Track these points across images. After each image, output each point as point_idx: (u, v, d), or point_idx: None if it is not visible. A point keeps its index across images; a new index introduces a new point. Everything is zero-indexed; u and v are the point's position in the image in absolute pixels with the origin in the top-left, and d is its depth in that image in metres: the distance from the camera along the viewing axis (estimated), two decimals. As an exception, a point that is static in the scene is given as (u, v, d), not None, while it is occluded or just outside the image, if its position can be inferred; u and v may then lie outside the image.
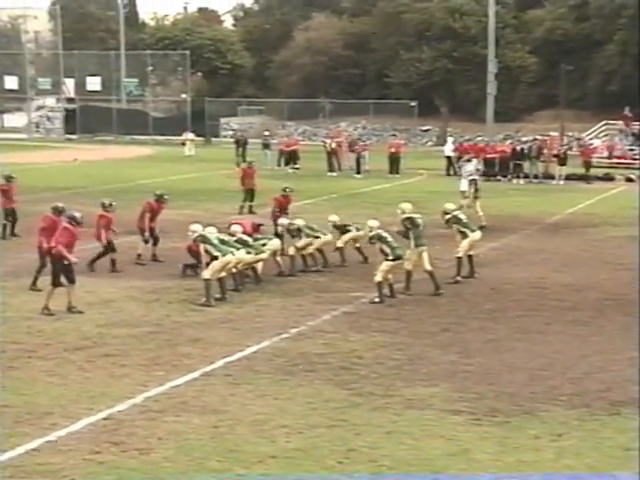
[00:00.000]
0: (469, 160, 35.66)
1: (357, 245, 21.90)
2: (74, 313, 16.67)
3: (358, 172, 45.28)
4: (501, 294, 18.89)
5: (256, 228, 21.14)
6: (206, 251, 17.90)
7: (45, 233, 18.30)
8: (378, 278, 17.81)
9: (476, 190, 29.61)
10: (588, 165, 44.82)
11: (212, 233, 18.44)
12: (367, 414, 11.61)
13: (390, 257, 17.90)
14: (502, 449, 10.51)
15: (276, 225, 22.62)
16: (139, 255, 22.08)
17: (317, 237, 20.99)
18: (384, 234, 18.31)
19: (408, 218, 18.90)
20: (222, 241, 18.38)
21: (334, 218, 22.00)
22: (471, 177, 31.98)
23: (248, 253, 18.85)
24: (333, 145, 47.87)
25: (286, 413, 11.60)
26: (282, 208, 24.13)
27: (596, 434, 11.00)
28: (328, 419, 11.39)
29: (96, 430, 10.99)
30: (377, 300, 17.71)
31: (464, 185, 32.64)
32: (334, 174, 45.80)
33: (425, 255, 18.74)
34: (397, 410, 11.76)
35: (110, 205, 21.02)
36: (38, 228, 18.91)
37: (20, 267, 20.62)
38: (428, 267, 18.71)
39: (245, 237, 19.44)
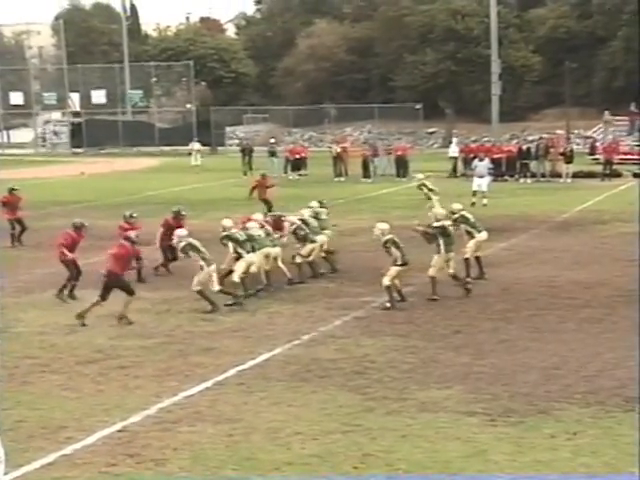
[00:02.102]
0: (482, 159, 36.16)
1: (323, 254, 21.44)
2: (124, 324, 16.81)
3: (366, 176, 45.38)
4: (513, 294, 18.85)
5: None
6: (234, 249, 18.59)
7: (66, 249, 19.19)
8: (386, 282, 17.79)
9: None
10: (610, 163, 44.53)
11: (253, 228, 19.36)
12: (381, 418, 11.59)
13: (399, 262, 17.85)
14: (518, 449, 10.48)
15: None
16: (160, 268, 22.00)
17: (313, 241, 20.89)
18: (397, 239, 18.21)
19: (441, 227, 18.85)
20: (250, 237, 19.09)
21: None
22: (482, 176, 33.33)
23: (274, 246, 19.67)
24: (338, 150, 47.90)
25: (300, 420, 11.59)
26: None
27: (611, 431, 10.96)
28: (343, 424, 11.37)
29: (111, 442, 10.99)
30: (388, 305, 17.67)
31: (476, 184, 33.60)
32: (341, 179, 45.82)
33: (452, 262, 18.84)
34: (411, 413, 11.74)
35: (82, 225, 20.91)
36: (58, 244, 19.51)
37: (31, 282, 20.69)
38: (451, 271, 18.82)
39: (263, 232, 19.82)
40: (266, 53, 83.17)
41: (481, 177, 34.62)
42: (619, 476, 9.92)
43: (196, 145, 60.14)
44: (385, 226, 18.45)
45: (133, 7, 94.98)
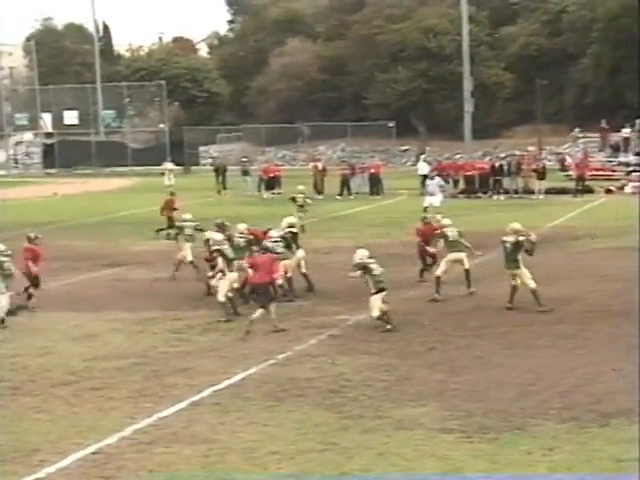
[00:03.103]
0: (432, 178, 37.99)
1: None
2: (279, 332, 17.21)
3: (341, 194, 45.53)
4: (486, 310, 18.89)
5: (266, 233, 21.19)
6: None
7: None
8: (375, 314, 17.37)
9: None
10: (582, 179, 44.79)
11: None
12: (358, 437, 11.57)
13: (373, 291, 17.46)
14: (494, 466, 10.49)
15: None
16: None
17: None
18: (371, 265, 17.68)
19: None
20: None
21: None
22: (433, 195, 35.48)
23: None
24: (319, 167, 48.04)
25: (276, 439, 11.55)
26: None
27: (587, 447, 10.99)
28: (319, 443, 11.35)
29: (86, 465, 10.92)
30: (389, 327, 17.29)
31: (427, 201, 35.35)
32: (319, 197, 45.87)
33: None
34: (387, 431, 11.73)
35: (36, 238, 20.83)
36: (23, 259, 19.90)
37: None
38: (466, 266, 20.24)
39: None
40: (239, 72, 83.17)
41: (432, 195, 36.10)
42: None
43: (169, 165, 59.94)
44: (364, 252, 17.97)
45: (106, 27, 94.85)
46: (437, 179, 38.17)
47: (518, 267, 18.89)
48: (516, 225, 19.50)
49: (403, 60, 72.78)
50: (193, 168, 71.28)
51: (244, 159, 53.51)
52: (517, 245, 18.89)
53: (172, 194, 33.91)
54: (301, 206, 32.56)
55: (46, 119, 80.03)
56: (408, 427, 11.85)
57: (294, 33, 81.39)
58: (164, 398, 13.43)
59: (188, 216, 24.45)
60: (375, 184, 46.26)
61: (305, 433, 11.75)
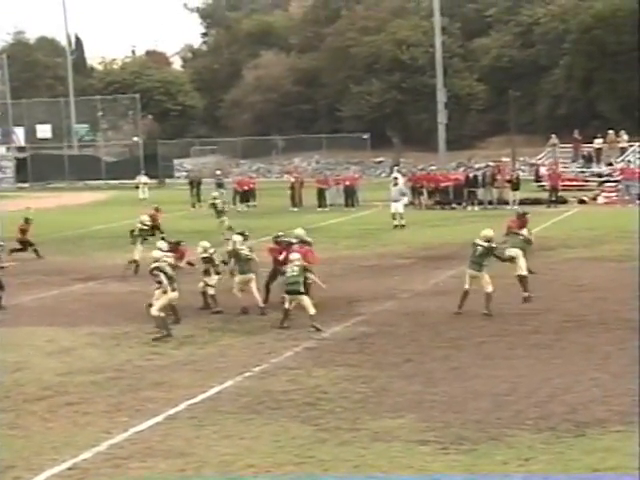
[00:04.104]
0: (395, 184, 39.07)
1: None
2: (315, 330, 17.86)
3: (320, 206, 45.62)
4: (462, 321, 18.91)
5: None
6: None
7: None
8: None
9: None
10: (555, 190, 44.97)
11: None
12: (334, 449, 11.55)
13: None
14: (471, 477, 10.49)
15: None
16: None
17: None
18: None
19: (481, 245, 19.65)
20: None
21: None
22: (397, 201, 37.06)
23: None
24: (292, 180, 48.07)
25: (253, 452, 11.51)
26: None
27: (563, 457, 11.01)
28: (295, 456, 11.32)
29: (61, 481, 10.84)
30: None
31: (393, 207, 37.17)
32: (295, 209, 45.83)
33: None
34: (364, 443, 11.71)
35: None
36: None
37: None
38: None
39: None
40: (213, 85, 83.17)
41: (396, 201, 37.60)
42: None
43: (143, 178, 59.79)
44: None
45: (78, 41, 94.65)
46: (400, 184, 39.59)
47: (480, 271, 19.43)
48: (489, 232, 19.74)
49: (377, 72, 72.96)
50: (167, 181, 71.18)
51: (218, 172, 53.47)
52: (489, 250, 19.44)
53: (157, 209, 34.63)
54: (221, 211, 34.79)
55: (18, 133, 79.70)
56: (385, 439, 11.84)
57: (268, 46, 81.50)
58: (140, 412, 13.37)
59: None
60: (350, 196, 46.32)
61: (281, 446, 11.71)
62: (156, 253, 19.45)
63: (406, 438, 11.83)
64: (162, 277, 18.54)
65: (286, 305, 18.73)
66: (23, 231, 31.43)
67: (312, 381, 14.69)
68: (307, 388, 14.28)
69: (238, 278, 20.30)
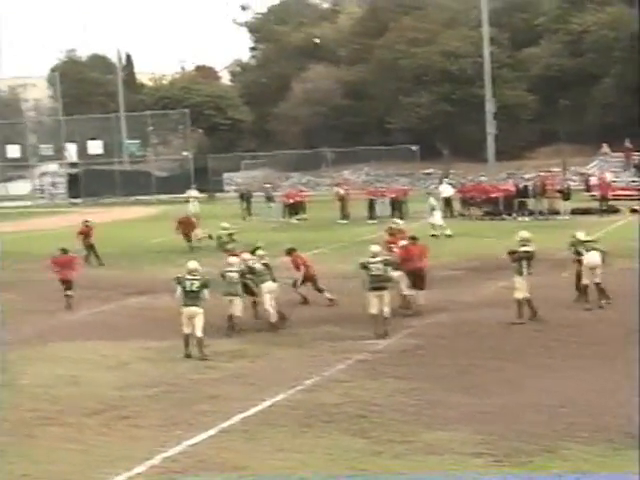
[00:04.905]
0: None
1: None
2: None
3: (371, 218, 45.62)
4: (517, 332, 18.78)
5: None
6: None
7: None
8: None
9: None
10: (605, 199, 44.67)
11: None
12: (388, 462, 11.53)
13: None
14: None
15: None
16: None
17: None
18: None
19: (525, 251, 19.63)
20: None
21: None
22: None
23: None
24: (341, 192, 48.09)
25: (306, 466, 11.52)
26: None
27: (619, 469, 10.89)
28: (349, 469, 11.32)
29: (117, 494, 10.94)
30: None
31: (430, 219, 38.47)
32: (344, 222, 45.83)
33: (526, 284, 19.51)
34: (418, 456, 11.68)
35: None
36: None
37: (34, 335, 20.65)
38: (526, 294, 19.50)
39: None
40: (262, 99, 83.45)
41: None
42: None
43: (193, 192, 60.23)
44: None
45: (128, 57, 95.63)
46: (429, 200, 40.49)
47: (520, 275, 19.57)
48: (524, 233, 19.88)
49: (426, 83, 72.85)
50: (217, 195, 71.55)
51: (268, 185, 53.69)
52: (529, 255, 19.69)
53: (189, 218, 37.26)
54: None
55: (71, 149, 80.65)
56: (438, 452, 11.80)
57: (316, 59, 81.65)
58: (193, 426, 13.43)
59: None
60: (397, 208, 46.26)
61: (335, 459, 11.72)
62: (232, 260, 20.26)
63: (460, 451, 11.79)
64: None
65: (373, 310, 18.86)
66: (85, 235, 33.48)
67: (365, 394, 14.68)
68: (360, 401, 14.27)
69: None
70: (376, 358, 17.20)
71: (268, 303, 20.29)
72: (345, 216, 46.60)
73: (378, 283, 18.92)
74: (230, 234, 31.06)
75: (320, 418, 13.49)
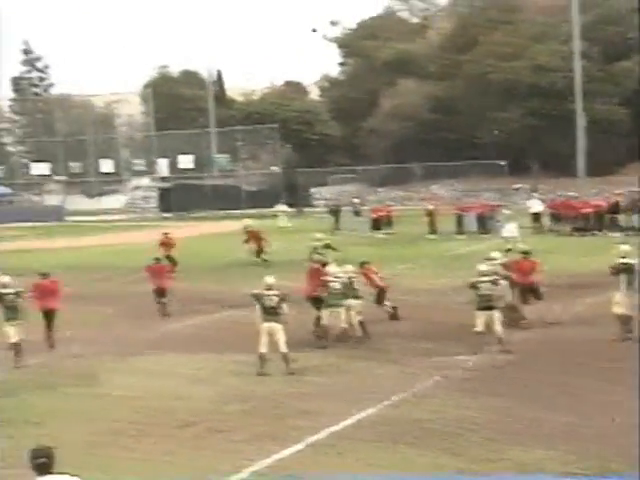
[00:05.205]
0: None
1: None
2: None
3: (460, 233, 45.47)
4: (616, 351, 18.41)
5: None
6: None
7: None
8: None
9: None
10: None
11: None
12: (480, 480, 11.47)
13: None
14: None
15: None
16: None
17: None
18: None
19: (624, 263, 19.33)
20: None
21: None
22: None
23: None
24: (430, 207, 48.00)
25: (396, 482, 11.52)
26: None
27: None
28: (440, 487, 11.29)
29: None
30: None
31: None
32: (432, 237, 45.70)
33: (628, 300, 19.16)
34: (510, 475, 11.58)
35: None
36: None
37: (128, 347, 20.97)
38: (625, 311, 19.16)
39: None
40: (350, 114, 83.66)
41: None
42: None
43: (282, 207, 60.67)
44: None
45: (219, 73, 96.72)
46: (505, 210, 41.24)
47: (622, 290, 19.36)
48: (626, 247, 19.91)
49: (515, 98, 72.34)
50: (305, 210, 71.88)
51: (356, 200, 53.81)
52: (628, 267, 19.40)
53: (252, 230, 38.39)
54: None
55: (162, 164, 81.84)
56: (531, 470, 11.68)
57: (405, 74, 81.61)
58: (283, 440, 13.46)
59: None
60: (484, 223, 46.03)
61: (425, 476, 11.69)
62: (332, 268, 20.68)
63: (553, 469, 11.65)
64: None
65: (479, 328, 18.83)
66: (167, 246, 34.41)
67: (456, 411, 14.59)
68: (451, 418, 14.19)
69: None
70: (467, 374, 17.09)
71: (353, 318, 20.36)
72: (433, 231, 46.48)
73: (487, 302, 18.89)
74: (326, 244, 31.75)
75: (410, 434, 13.43)
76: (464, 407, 14.79)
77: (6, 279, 20.10)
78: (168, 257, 33.25)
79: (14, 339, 19.42)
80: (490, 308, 18.84)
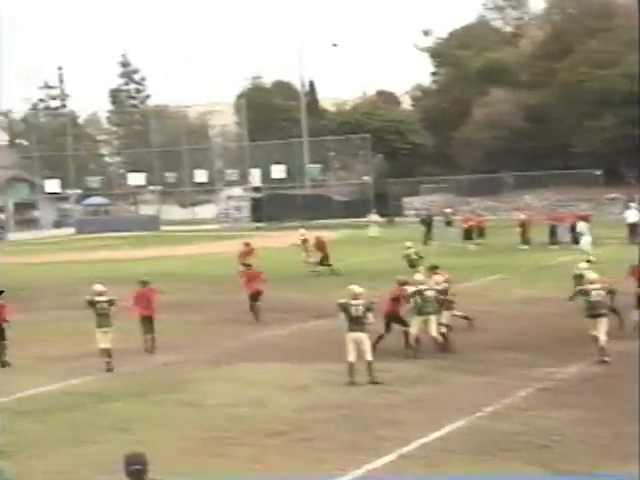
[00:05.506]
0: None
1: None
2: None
3: (553, 243, 44.96)
4: None
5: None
6: None
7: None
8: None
9: None
10: None
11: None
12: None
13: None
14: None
15: None
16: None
17: None
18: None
19: None
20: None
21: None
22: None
23: None
24: (523, 217, 47.50)
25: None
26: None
27: None
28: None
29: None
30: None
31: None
32: (525, 247, 45.22)
33: None
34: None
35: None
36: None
37: (220, 355, 21.21)
38: None
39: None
40: (442, 123, 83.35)
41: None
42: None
43: (374, 217, 60.66)
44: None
45: (311, 83, 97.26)
46: (581, 223, 40.83)
47: None
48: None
49: (610, 106, 71.24)
50: (397, 219, 71.77)
51: (448, 210, 53.55)
52: None
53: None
54: (414, 260, 33.06)
55: (255, 174, 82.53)
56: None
57: (497, 83, 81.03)
58: (372, 450, 13.47)
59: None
60: (576, 234, 45.37)
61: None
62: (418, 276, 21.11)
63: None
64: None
65: (594, 332, 18.75)
66: (245, 255, 35.21)
67: (547, 423, 14.43)
68: (542, 430, 14.03)
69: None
70: (558, 386, 16.89)
71: (434, 329, 20.24)
72: (526, 241, 45.98)
73: (596, 310, 18.77)
74: (417, 252, 32.72)
75: (500, 446, 13.33)
76: (554, 419, 14.61)
77: (100, 287, 20.65)
78: (245, 264, 33.32)
79: (105, 345, 20.13)
80: (600, 315, 18.71)
